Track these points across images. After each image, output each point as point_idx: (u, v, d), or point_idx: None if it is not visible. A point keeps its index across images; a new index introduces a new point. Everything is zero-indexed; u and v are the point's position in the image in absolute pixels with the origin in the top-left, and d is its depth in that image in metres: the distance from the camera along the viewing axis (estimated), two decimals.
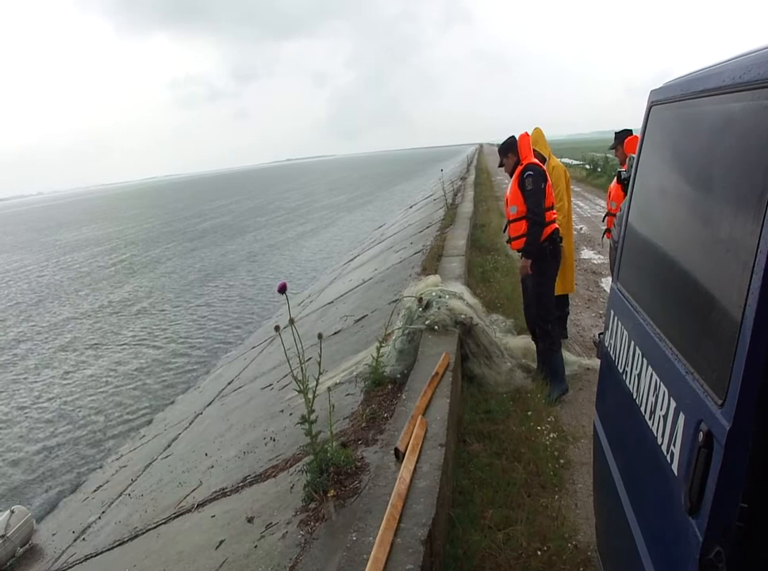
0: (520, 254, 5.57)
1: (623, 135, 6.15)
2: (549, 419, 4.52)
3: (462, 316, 5.11)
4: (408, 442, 3.14)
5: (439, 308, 5.16)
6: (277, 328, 3.35)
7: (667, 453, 1.54)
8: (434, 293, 5.41)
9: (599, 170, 29.83)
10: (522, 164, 5.42)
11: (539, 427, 4.30)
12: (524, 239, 5.35)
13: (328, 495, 3.37)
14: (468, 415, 4.34)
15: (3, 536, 6.61)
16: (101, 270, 31.04)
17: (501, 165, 5.73)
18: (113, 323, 19.39)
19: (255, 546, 3.49)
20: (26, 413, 12.48)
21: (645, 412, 1.78)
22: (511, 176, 5.55)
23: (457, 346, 4.79)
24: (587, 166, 31.68)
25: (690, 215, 1.76)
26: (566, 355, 5.87)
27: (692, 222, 1.73)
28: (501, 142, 5.69)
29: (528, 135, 5.64)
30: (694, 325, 1.58)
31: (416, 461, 2.98)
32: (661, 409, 1.64)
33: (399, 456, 3.08)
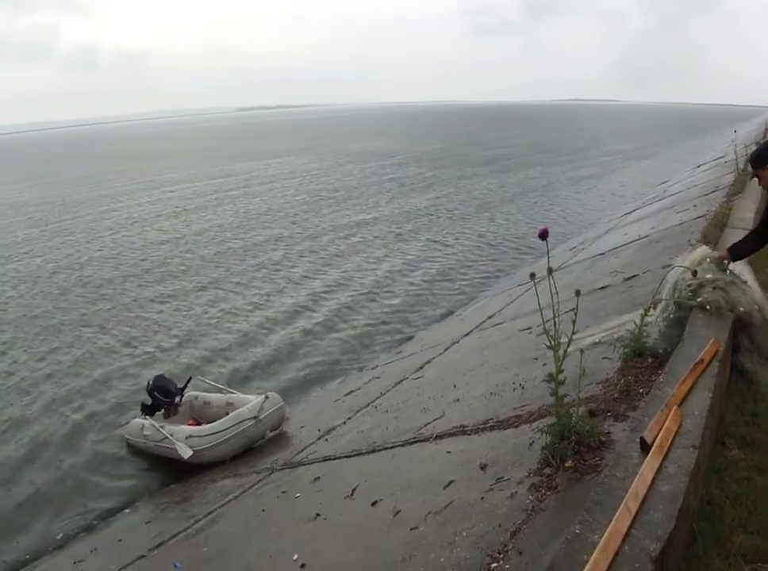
0: None
1: None
2: None
3: (741, 309, 4.43)
4: (658, 435, 2.86)
5: (714, 288, 4.52)
6: (532, 276, 3.44)
7: None
8: (710, 269, 4.75)
9: None
10: None
11: None
12: None
13: (566, 464, 3.25)
14: (731, 414, 3.79)
15: (256, 418, 7.31)
16: (387, 182, 33.80)
17: (754, 177, 4.83)
18: (395, 233, 20.94)
19: (482, 498, 3.50)
20: (311, 307, 13.93)
21: None
22: None
23: (729, 333, 4.16)
24: None
25: None
26: None
27: None
28: None
29: None
30: None
31: (663, 459, 2.69)
32: None
33: (645, 447, 2.83)
